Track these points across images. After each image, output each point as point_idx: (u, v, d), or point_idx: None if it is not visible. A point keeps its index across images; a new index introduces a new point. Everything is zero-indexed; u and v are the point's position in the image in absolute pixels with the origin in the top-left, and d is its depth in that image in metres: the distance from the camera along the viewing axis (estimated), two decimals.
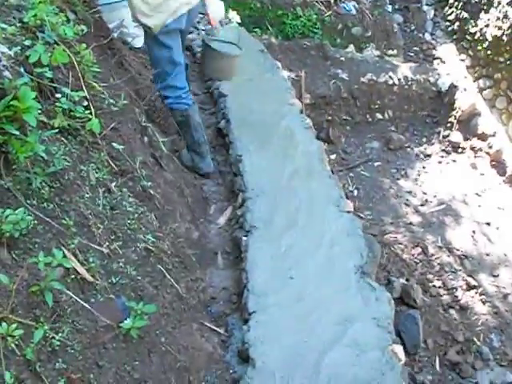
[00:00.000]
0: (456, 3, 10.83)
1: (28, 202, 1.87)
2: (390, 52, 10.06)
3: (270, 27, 9.54)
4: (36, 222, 1.84)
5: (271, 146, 3.93)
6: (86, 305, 1.94)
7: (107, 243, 2.17)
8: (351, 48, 9.86)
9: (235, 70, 4.25)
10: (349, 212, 3.66)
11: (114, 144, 2.39)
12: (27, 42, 2.25)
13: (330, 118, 8.47)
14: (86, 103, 2.26)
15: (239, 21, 9.08)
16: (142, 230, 2.40)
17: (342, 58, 8.75)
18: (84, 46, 2.47)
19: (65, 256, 1.96)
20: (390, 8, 10.63)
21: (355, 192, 7.46)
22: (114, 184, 2.28)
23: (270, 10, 9.68)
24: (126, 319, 2.15)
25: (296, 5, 9.80)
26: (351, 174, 7.74)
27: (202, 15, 6.23)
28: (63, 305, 1.86)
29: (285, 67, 8.54)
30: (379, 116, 8.68)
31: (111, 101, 2.41)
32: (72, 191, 2.07)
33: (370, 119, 8.65)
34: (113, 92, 2.64)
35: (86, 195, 2.13)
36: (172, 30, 3.84)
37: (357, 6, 10.17)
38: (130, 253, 2.30)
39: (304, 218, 3.49)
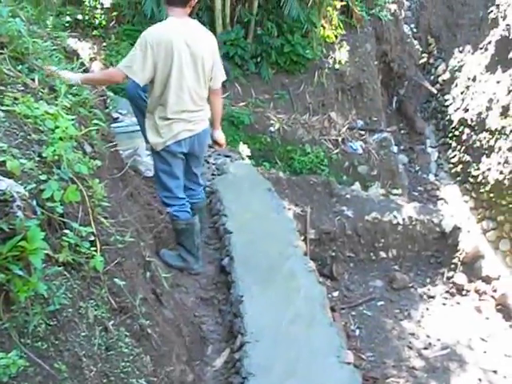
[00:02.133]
0: (459, 147, 11.26)
1: (22, 340, 1.85)
2: (395, 191, 10.30)
3: (278, 161, 9.88)
4: (27, 363, 1.80)
5: (273, 288, 3.91)
6: None
7: None
8: (357, 185, 10.13)
9: None
10: (349, 364, 3.57)
11: (116, 280, 2.40)
12: (43, 177, 2.33)
13: (333, 254, 8.49)
14: (92, 238, 2.30)
15: (249, 154, 9.42)
16: (136, 374, 2.32)
17: (348, 196, 8.93)
18: (97, 181, 2.56)
19: None
20: (395, 149, 11.02)
21: (357, 332, 7.30)
22: (111, 323, 2.25)
23: (280, 145, 10.07)
24: None
25: (305, 142, 10.20)
26: (353, 313, 7.62)
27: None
28: None
29: (291, 202, 8.72)
30: (383, 254, 8.70)
31: (118, 237, 2.45)
32: (68, 329, 2.05)
33: (374, 257, 8.66)
34: (120, 227, 2.68)
35: (83, 334, 2.10)
36: (172, 151, 4.14)
37: (363, 145, 10.56)
38: None
39: (303, 368, 3.38)
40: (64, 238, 2.22)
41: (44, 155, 2.38)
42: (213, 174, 5.41)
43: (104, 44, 10.32)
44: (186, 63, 3.97)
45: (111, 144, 3.22)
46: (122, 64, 3.93)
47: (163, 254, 4.36)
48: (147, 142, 4.42)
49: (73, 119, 2.61)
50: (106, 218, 2.63)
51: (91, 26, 10.55)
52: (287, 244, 4.36)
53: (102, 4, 10.73)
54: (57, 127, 2.40)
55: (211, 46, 4.22)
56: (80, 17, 10.46)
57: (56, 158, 2.38)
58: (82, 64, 4.19)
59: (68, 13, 10.28)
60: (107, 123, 6.00)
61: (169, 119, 4.07)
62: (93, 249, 2.29)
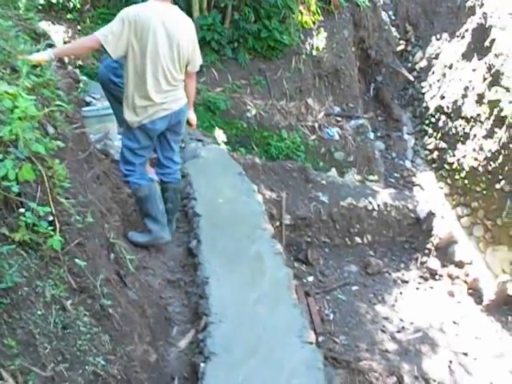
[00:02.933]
0: (435, 134, 11.32)
1: None
2: (371, 177, 10.34)
3: (255, 147, 9.84)
4: None
5: (239, 270, 3.91)
6: None
7: (52, 365, 2.08)
8: (333, 172, 10.14)
9: None
10: (311, 343, 3.58)
11: (77, 260, 2.38)
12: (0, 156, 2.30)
13: (309, 239, 8.53)
14: (51, 218, 2.28)
15: (225, 139, 9.38)
16: (93, 352, 2.31)
17: (324, 182, 8.95)
18: (57, 161, 2.53)
19: (1, 378, 1.88)
20: (372, 135, 11.05)
21: (331, 316, 7.36)
22: (69, 302, 2.23)
23: (256, 130, 10.03)
24: None
25: (281, 127, 10.18)
26: (328, 297, 7.67)
27: None
28: None
29: (267, 187, 8.72)
30: (358, 240, 8.76)
31: (77, 217, 2.42)
32: (23, 307, 2.03)
33: (349, 243, 8.72)
34: (82, 208, 2.66)
35: (38, 312, 2.08)
36: (147, 129, 4.19)
37: (340, 132, 10.57)
38: (76, 376, 2.21)
39: (265, 348, 3.40)
40: (21, 217, 2.20)
41: (0, 135, 2.35)
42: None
43: (78, 28, 10.17)
44: (161, 44, 4.01)
45: (76, 126, 3.17)
46: (98, 31, 3.95)
47: (131, 236, 4.37)
48: (121, 121, 4.47)
49: (34, 100, 2.57)
50: (67, 198, 2.60)
51: (65, 9, 10.38)
52: (255, 227, 4.37)
53: None
54: (16, 107, 2.37)
55: (189, 31, 4.28)
56: None
57: (13, 137, 2.35)
58: (50, 45, 4.12)
59: None
60: (76, 106, 5.97)
61: (146, 101, 4.11)
62: (51, 228, 2.26)
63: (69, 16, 10.35)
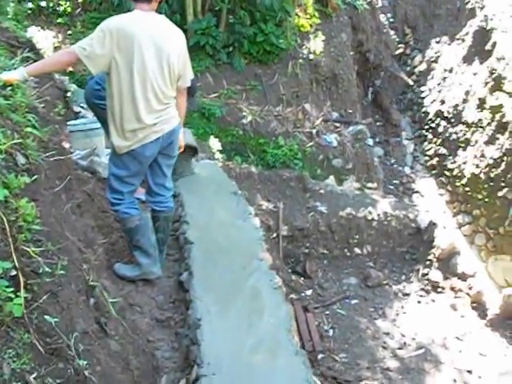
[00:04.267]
0: (435, 139, 11.09)
1: None
2: (370, 185, 10.10)
3: (251, 155, 9.59)
4: None
5: (235, 309, 3.58)
6: None
7: None
8: (331, 179, 9.89)
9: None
10: None
11: (47, 317, 2.09)
12: None
13: (307, 251, 8.30)
14: (14, 273, 2.00)
15: (220, 148, 9.13)
16: None
17: (322, 191, 8.71)
18: (25, 200, 2.25)
19: None
20: (370, 141, 10.80)
21: (330, 332, 7.11)
22: (34, 375, 1.92)
23: (252, 138, 9.78)
24: None
25: (278, 134, 9.93)
26: (327, 312, 7.43)
27: None
28: None
29: (263, 198, 8.47)
30: (357, 251, 8.52)
31: (47, 268, 2.14)
32: None
33: (348, 254, 8.48)
34: (56, 252, 2.37)
35: None
36: (137, 155, 3.80)
37: (338, 138, 10.32)
38: None
39: None
40: None
41: None
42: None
43: (69, 32, 9.90)
44: (149, 58, 3.60)
45: (51, 153, 2.87)
46: (76, 44, 3.55)
47: (118, 269, 4.02)
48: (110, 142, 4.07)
49: None
50: (38, 241, 2.33)
51: (56, 13, 10.11)
52: (252, 256, 4.05)
53: None
54: None
55: (179, 43, 3.86)
56: (44, 3, 10.02)
57: None
58: (27, 58, 3.81)
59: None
60: (63, 120, 5.68)
61: (135, 123, 3.72)
62: (10, 290, 1.94)
63: (59, 20, 10.09)
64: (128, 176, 3.86)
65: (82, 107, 6.74)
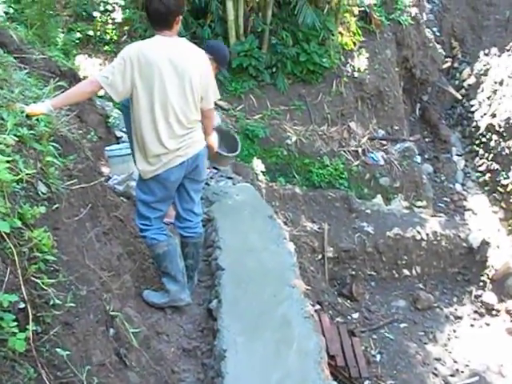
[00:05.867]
0: (486, 154, 10.74)
1: None
2: (419, 203, 9.81)
3: (296, 175, 9.48)
4: None
5: (262, 339, 3.43)
6: None
7: None
8: (379, 198, 9.66)
9: None
10: None
11: (58, 349, 2.03)
12: None
13: (353, 272, 8.11)
14: (23, 305, 1.97)
15: (263, 169, 9.07)
16: None
17: (368, 211, 8.53)
18: (41, 230, 2.22)
19: None
20: (419, 159, 10.53)
21: (378, 357, 6.90)
22: None
23: (297, 158, 9.68)
24: None
25: (323, 154, 9.80)
26: (374, 336, 7.22)
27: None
28: None
29: (308, 219, 8.35)
30: (406, 272, 8.27)
31: (57, 301, 2.09)
32: None
33: (397, 275, 8.24)
34: (72, 283, 2.32)
35: None
36: (162, 180, 3.76)
37: (385, 156, 10.11)
38: None
39: None
40: None
41: None
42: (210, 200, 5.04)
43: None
44: (169, 83, 3.58)
45: (73, 181, 2.83)
46: (98, 73, 3.59)
47: (147, 296, 3.98)
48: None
49: (9, 161, 2.26)
50: (57, 271, 2.28)
51: (102, 41, 10.34)
52: (284, 283, 3.91)
53: (113, 19, 10.53)
54: None
55: (201, 65, 3.83)
56: (91, 32, 10.26)
57: None
58: (60, 86, 3.84)
59: (79, 29, 10.09)
60: (101, 146, 5.73)
61: (158, 148, 3.67)
62: (14, 325, 1.88)
63: (106, 48, 10.29)
64: (155, 201, 3.83)
65: (124, 132, 6.81)
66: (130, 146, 4.48)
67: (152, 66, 3.47)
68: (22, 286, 1.97)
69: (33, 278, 2.06)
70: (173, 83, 3.59)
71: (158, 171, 3.71)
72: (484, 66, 11.83)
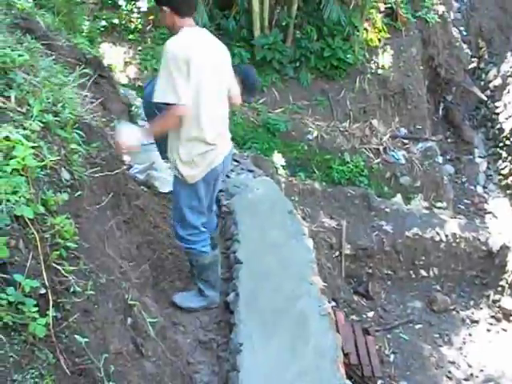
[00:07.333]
0: (510, 157, 10.59)
1: None
2: (439, 204, 9.74)
3: (316, 171, 9.43)
4: None
5: (279, 335, 3.41)
6: None
7: None
8: (398, 197, 9.60)
9: None
10: None
11: (77, 336, 2.04)
12: None
13: (370, 271, 8.06)
14: (44, 291, 1.97)
15: (283, 163, 9.04)
16: None
17: (387, 210, 8.45)
18: (64, 217, 2.22)
19: None
20: (440, 159, 10.44)
21: (391, 357, 6.85)
22: None
23: (318, 153, 9.64)
24: None
25: (344, 150, 9.76)
26: (389, 336, 7.17)
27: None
28: None
29: (326, 215, 8.30)
30: (423, 273, 8.19)
31: (77, 288, 2.09)
32: None
33: (414, 276, 8.17)
34: (92, 270, 2.32)
35: None
36: (208, 181, 3.69)
37: (406, 155, 10.04)
38: None
39: None
40: (1, 294, 1.86)
41: None
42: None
43: (139, 48, 10.12)
44: (210, 76, 3.50)
45: (96, 169, 2.82)
46: (169, 98, 3.34)
47: (181, 302, 3.93)
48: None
49: (34, 147, 2.25)
50: (78, 258, 2.29)
51: (127, 30, 10.37)
52: (302, 279, 3.88)
53: (138, 8, 10.55)
54: (11, 158, 2.08)
55: (226, 55, 3.82)
56: (116, 21, 10.29)
57: None
58: (86, 74, 3.84)
59: (104, 17, 10.12)
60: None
61: (203, 145, 3.56)
62: (35, 310, 1.89)
63: (130, 37, 10.32)
64: (200, 203, 3.73)
65: (147, 121, 6.82)
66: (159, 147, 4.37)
67: (196, 63, 3.37)
68: (44, 272, 1.97)
69: (54, 265, 2.06)
70: (212, 77, 3.52)
71: (204, 171, 3.63)
72: (511, 67, 11.66)
